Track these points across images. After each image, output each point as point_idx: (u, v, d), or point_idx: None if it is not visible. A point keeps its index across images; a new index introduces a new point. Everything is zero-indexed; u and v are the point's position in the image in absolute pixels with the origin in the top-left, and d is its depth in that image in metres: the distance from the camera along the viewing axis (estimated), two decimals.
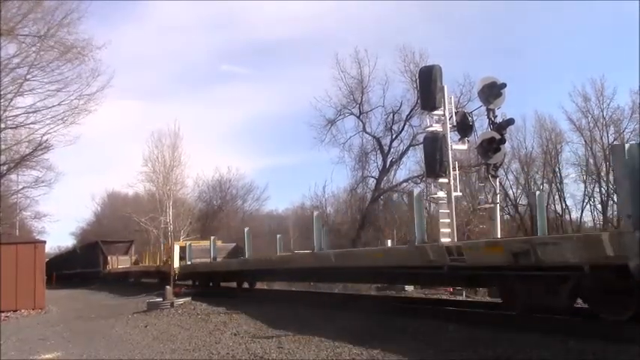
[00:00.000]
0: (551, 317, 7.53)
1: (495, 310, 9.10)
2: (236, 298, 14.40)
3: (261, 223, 45.83)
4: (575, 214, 31.57)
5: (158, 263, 23.47)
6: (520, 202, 32.45)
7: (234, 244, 20.48)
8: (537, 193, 10.41)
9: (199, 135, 71.83)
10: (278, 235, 14.59)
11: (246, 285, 17.87)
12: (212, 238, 18.03)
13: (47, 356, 8.07)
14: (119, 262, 33.01)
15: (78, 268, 39.59)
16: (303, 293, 15.09)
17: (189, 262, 18.60)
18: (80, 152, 75.06)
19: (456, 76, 26.68)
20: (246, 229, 16.11)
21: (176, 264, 18.78)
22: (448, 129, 10.40)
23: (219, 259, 17.87)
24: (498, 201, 11.39)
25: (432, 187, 12.24)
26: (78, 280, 36.77)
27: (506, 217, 30.69)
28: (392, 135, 28.95)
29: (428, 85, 10.49)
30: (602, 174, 29.85)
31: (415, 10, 58.03)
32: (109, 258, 34.11)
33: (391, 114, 28.80)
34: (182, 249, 19.98)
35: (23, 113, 20.68)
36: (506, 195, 30.96)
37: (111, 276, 32.20)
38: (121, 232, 42.30)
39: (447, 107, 10.44)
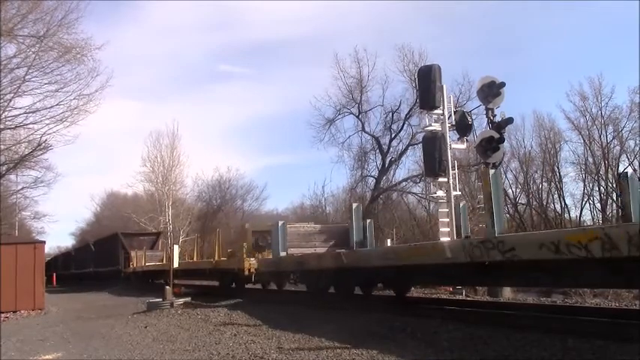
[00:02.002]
0: (550, 316, 7.56)
1: (495, 309, 9.13)
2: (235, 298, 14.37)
3: (260, 223, 45.83)
4: (574, 213, 31.57)
5: (216, 257, 16.82)
6: (520, 202, 32.48)
7: (345, 225, 13.29)
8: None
9: (198, 135, 72.09)
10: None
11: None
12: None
13: (47, 357, 8.07)
14: (146, 259, 25.71)
15: (92, 266, 34.47)
16: (303, 293, 15.07)
17: (282, 254, 12.31)
18: (79, 152, 75.44)
19: (455, 76, 26.72)
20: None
21: (176, 264, 18.00)
22: (447, 128, 10.45)
23: (319, 249, 12.40)
24: None
25: (432, 186, 12.26)
26: (92, 281, 31.87)
27: (506, 216, 30.69)
28: (391, 134, 28.91)
29: (427, 85, 10.55)
30: (602, 173, 29.87)
31: (414, 10, 58.01)
32: (132, 254, 27.80)
33: (390, 113, 28.75)
34: (258, 234, 14.81)
35: (22, 114, 20.71)
36: (506, 194, 30.95)
37: (135, 276, 26.67)
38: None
39: (446, 106, 10.48)
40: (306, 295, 13.51)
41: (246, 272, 13.46)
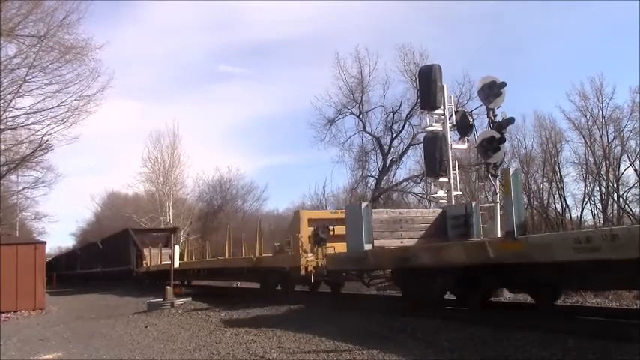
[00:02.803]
0: (551, 316, 7.55)
1: (495, 309, 9.12)
2: (236, 297, 14.38)
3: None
4: (575, 213, 31.57)
5: (257, 253, 13.45)
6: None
7: (437, 211, 10.38)
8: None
9: (199, 135, 72.25)
10: None
11: None
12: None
13: (48, 356, 8.08)
14: (162, 257, 22.64)
15: (99, 266, 32.09)
16: (303, 293, 15.07)
17: (367, 247, 9.01)
18: (80, 153, 75.52)
19: (456, 76, 26.80)
20: None
21: (176, 264, 17.74)
22: (448, 128, 10.46)
23: (406, 241, 9.40)
24: (498, 200, 11.43)
25: (432, 187, 12.25)
26: (99, 282, 29.83)
27: None
28: (392, 134, 29.00)
29: (428, 85, 10.56)
30: (602, 173, 29.87)
31: (415, 10, 58.04)
32: (145, 252, 25.01)
33: (391, 113, 28.85)
34: (318, 223, 11.53)
35: (23, 114, 20.77)
36: None
37: (149, 276, 23.98)
38: None
39: (446, 106, 10.48)
40: (305, 295, 13.45)
41: (303, 272, 10.95)
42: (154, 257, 23.84)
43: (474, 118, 12.77)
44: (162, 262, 21.82)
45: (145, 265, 24.54)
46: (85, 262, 36.33)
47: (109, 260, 30.39)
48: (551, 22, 53.31)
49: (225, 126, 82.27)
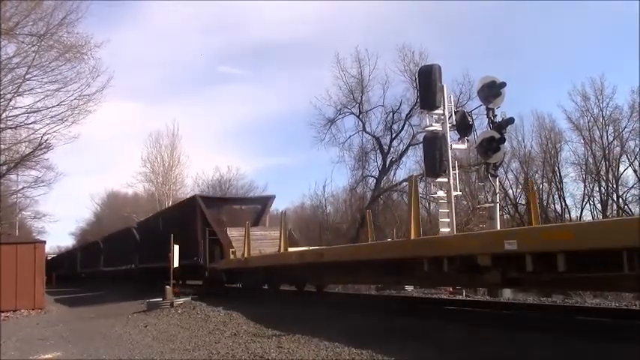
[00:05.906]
0: (550, 316, 7.56)
1: (495, 309, 9.13)
2: (236, 297, 14.35)
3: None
4: (575, 214, 31.56)
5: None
6: (520, 202, 32.47)
7: None
8: None
9: (199, 135, 72.09)
10: None
11: None
12: None
13: (47, 356, 8.07)
14: (285, 242, 12.31)
15: (134, 261, 22.73)
16: (304, 293, 15.06)
17: None
18: (79, 152, 75.41)
19: (456, 76, 26.76)
20: None
21: (176, 263, 16.98)
22: (448, 128, 10.42)
23: None
24: (498, 200, 11.42)
25: (432, 187, 12.21)
26: (135, 286, 21.24)
27: (506, 216, 30.69)
28: (392, 134, 29.00)
29: (427, 85, 10.52)
30: (602, 173, 29.88)
31: (415, 10, 58.01)
32: (228, 234, 15.28)
33: (391, 113, 28.85)
34: None
35: (23, 113, 20.71)
36: (506, 194, 30.95)
37: (248, 273, 14.31)
38: None
39: (446, 106, 10.46)
40: (305, 295, 13.47)
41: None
42: (258, 243, 14.10)
43: (474, 118, 12.75)
44: (286, 250, 12.22)
45: (232, 255, 14.66)
46: (112, 256, 27.86)
47: (153, 253, 19.79)
48: (551, 22, 53.28)
49: (224, 126, 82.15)
